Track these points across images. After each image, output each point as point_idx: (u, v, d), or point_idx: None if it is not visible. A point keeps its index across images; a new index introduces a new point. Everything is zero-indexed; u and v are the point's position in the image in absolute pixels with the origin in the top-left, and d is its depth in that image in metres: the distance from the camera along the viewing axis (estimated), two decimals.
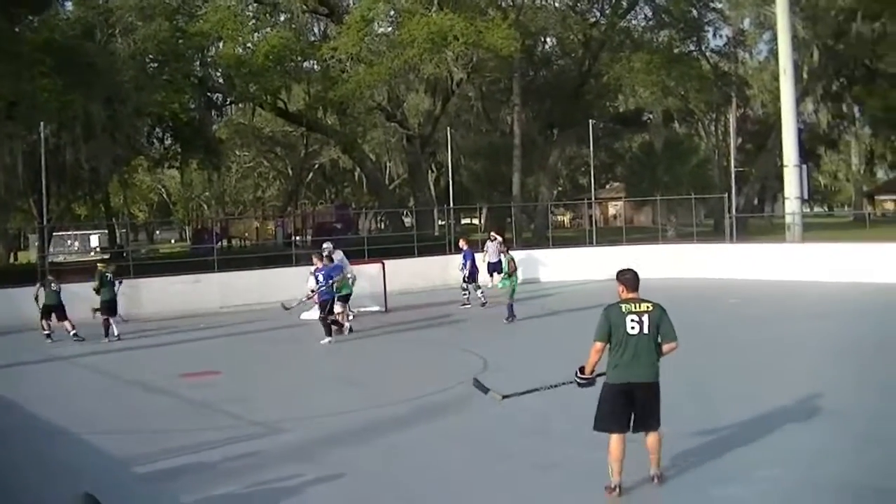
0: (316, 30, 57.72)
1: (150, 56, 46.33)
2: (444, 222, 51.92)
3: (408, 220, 65.11)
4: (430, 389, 17.32)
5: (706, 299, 27.66)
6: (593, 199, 54.15)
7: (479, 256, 35.80)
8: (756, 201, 68.04)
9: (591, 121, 49.14)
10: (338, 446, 13.58)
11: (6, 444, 14.24)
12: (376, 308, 32.21)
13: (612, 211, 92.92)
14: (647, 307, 10.56)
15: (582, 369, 10.76)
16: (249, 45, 49.08)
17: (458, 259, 35.07)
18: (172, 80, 45.05)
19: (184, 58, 46.72)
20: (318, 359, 23.75)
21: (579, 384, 10.81)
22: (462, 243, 34.61)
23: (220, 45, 48.69)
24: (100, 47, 43.94)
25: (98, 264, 30.99)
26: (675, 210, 57.18)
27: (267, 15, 52.84)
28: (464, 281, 33.51)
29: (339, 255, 30.20)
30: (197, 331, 28.95)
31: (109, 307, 28.05)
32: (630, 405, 10.54)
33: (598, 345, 10.51)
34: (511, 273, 28.06)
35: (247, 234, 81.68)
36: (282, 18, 52.72)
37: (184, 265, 41.08)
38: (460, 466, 12.37)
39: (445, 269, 39.48)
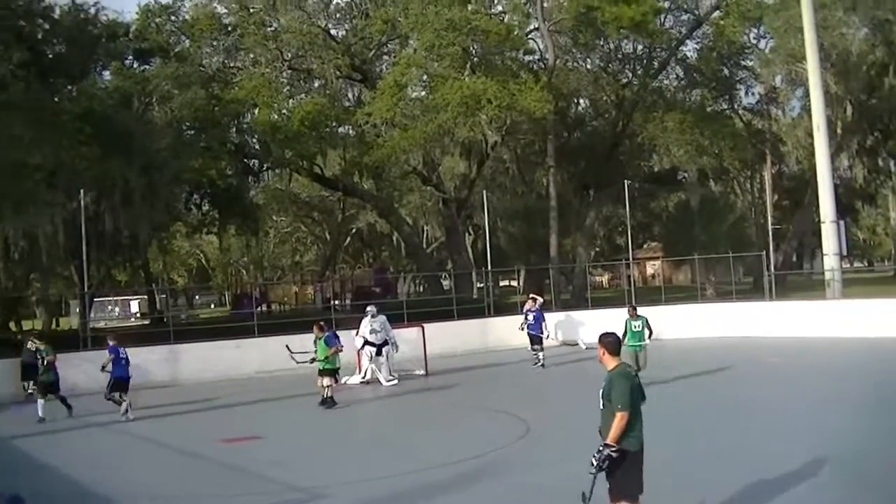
0: (350, 95, 58.09)
1: (187, 123, 46.83)
2: (482, 285, 51.87)
3: (446, 284, 64.97)
4: (471, 454, 17.20)
5: (747, 359, 27.41)
6: (631, 259, 53.99)
7: (521, 319, 35.76)
8: (794, 258, 67.81)
9: (626, 181, 49.10)
10: None
11: None
12: (418, 371, 32.18)
13: (650, 271, 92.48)
14: (635, 369, 10.53)
15: (606, 444, 10.20)
16: (284, 111, 49.51)
17: (500, 321, 35.10)
18: (209, 146, 45.44)
19: (220, 125, 47.18)
20: (358, 423, 23.76)
21: (613, 458, 10.18)
22: (529, 304, 34.54)
23: (256, 111, 49.12)
24: (137, 115, 44.45)
25: (32, 340, 29.12)
26: (714, 269, 56.91)
27: (301, 81, 53.39)
28: (533, 342, 33.24)
29: (381, 319, 30.38)
30: (237, 395, 28.98)
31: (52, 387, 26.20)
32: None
33: (627, 414, 10.15)
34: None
35: (286, 299, 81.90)
36: (316, 85, 53.17)
37: (224, 330, 41.33)
38: None
39: (484, 332, 39.49)
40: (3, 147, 39.18)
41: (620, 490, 10.28)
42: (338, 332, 28.00)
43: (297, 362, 27.66)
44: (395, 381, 30.10)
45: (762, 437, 17.25)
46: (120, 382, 25.16)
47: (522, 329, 33.86)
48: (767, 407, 21.14)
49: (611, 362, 10.51)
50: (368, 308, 31.13)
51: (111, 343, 25.95)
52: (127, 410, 24.94)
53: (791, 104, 64.72)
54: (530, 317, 33.48)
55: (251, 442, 20.41)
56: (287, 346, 28.85)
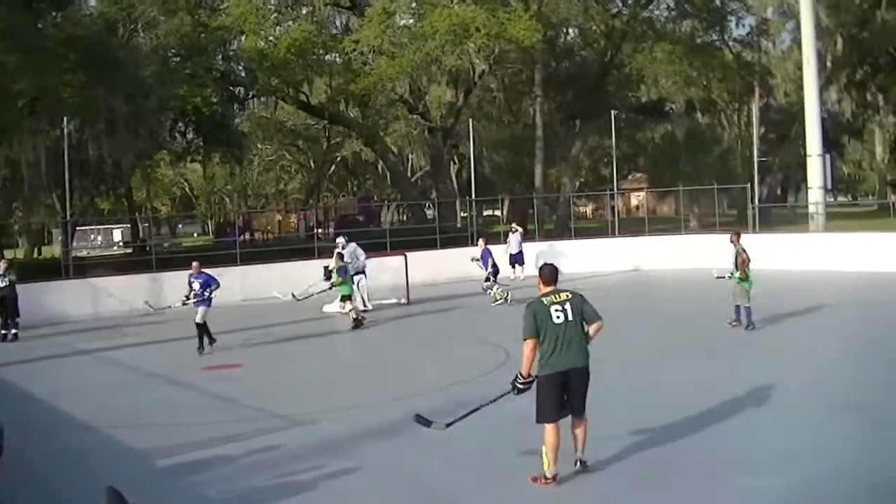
0: (338, 23, 57.71)
1: (173, 50, 46.45)
2: (466, 214, 51.87)
3: (430, 213, 64.92)
4: (452, 381, 17.29)
5: (727, 290, 27.46)
6: (615, 189, 53.89)
7: (501, 248, 36.13)
8: (779, 191, 67.70)
9: (613, 111, 48.91)
10: (359, 439, 13.61)
11: (31, 439, 14.31)
12: (394, 300, 32.18)
13: (634, 202, 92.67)
14: (567, 296, 11.05)
15: (518, 374, 11.04)
16: (271, 38, 49.02)
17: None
18: (195, 74, 45.08)
19: (206, 52, 46.74)
20: (339, 351, 23.81)
21: (521, 390, 11.06)
22: (481, 242, 33.93)
23: (242, 38, 48.70)
24: (122, 42, 44.10)
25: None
26: (698, 200, 56.91)
27: (289, 8, 52.95)
28: (486, 280, 32.65)
29: (350, 248, 30.36)
30: (218, 323, 29.01)
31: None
32: (567, 390, 10.87)
33: (531, 342, 10.78)
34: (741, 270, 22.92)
35: (269, 228, 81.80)
36: (303, 12, 52.76)
37: (206, 259, 41.23)
38: (478, 457, 12.38)
39: (467, 262, 39.44)
40: None
41: (538, 413, 10.95)
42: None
43: (298, 299, 29.26)
44: (370, 309, 30.25)
45: (737, 365, 17.42)
46: None
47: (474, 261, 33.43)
48: (746, 335, 21.33)
49: (541, 290, 11.16)
50: (338, 239, 31.24)
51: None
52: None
53: (781, 36, 64.50)
54: (476, 252, 33.09)
55: (232, 370, 20.48)
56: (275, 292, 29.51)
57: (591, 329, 11.02)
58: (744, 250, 22.94)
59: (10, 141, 39.48)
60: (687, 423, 13.32)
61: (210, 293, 23.73)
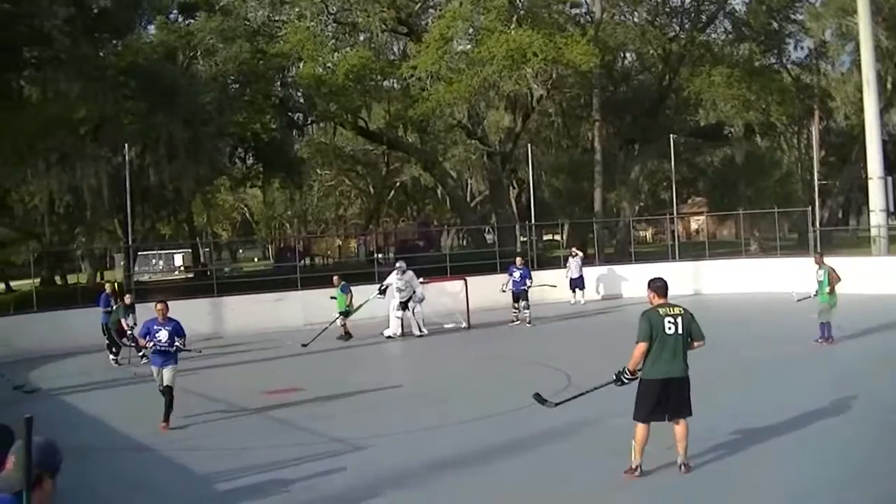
0: (395, 48, 57.89)
1: (232, 77, 46.72)
2: (525, 239, 51.81)
3: (489, 237, 64.94)
4: (512, 406, 17.18)
5: (789, 314, 27.17)
6: (675, 213, 53.53)
7: (562, 272, 37.88)
8: (840, 214, 67.24)
9: (671, 135, 48.68)
10: (419, 464, 13.60)
11: (91, 462, 14.40)
12: (453, 325, 32.10)
13: (694, 226, 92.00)
14: (680, 311, 11.84)
15: (625, 369, 11.95)
16: (329, 64, 49.22)
17: (543, 275, 35.05)
18: (253, 100, 45.33)
19: (264, 78, 46.98)
20: (400, 376, 23.76)
21: (624, 382, 12.02)
22: (518, 261, 34.35)
23: (301, 65, 48.95)
24: (182, 70, 44.50)
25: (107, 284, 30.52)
26: (758, 224, 56.51)
27: (346, 35, 53.11)
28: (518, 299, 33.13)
29: (408, 276, 30.45)
30: (279, 347, 29.11)
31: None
32: (666, 397, 11.74)
33: (643, 345, 11.72)
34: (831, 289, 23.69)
35: (329, 252, 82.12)
36: (361, 38, 52.90)
37: (267, 283, 41.61)
38: (541, 486, 12.33)
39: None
40: (50, 102, 39.47)
41: (635, 411, 11.97)
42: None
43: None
44: (426, 334, 30.39)
45: (800, 387, 17.23)
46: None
47: (504, 291, 33.70)
48: (810, 359, 21.15)
49: (654, 302, 12.06)
50: (398, 264, 31.50)
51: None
52: None
53: (840, 59, 63.91)
54: (516, 274, 33.21)
55: (292, 394, 20.50)
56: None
57: (695, 344, 11.89)
58: (833, 269, 23.90)
59: (73, 167, 40.02)
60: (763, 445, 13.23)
61: (178, 347, 17.63)
